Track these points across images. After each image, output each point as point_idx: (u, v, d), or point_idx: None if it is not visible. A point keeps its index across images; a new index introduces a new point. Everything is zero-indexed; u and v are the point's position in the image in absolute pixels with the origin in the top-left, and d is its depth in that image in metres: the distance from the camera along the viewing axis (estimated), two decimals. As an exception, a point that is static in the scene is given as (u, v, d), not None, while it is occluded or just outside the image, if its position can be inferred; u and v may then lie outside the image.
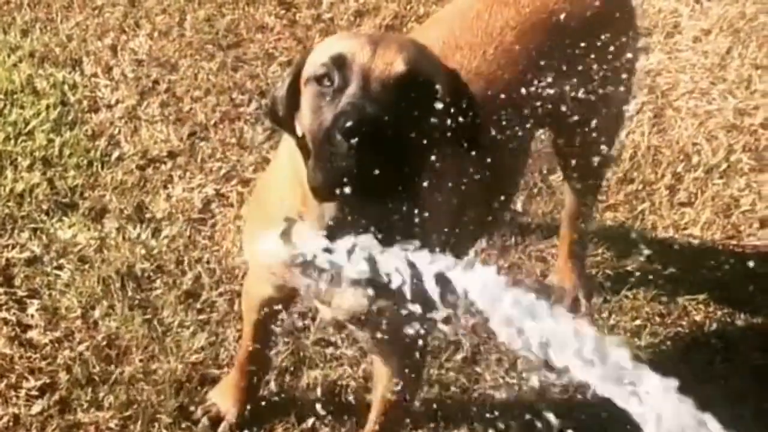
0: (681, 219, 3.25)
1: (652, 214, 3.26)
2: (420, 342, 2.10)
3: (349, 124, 1.70)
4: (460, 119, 1.86)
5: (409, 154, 1.78)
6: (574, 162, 2.73)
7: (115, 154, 3.31)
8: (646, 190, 3.33)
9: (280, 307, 2.37)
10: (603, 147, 2.70)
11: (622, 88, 2.62)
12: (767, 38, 3.99)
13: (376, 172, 1.72)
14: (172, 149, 3.35)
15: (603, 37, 2.42)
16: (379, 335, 2.07)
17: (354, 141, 1.70)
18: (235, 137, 3.39)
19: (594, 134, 2.58)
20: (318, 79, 1.81)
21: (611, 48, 2.46)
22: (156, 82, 3.62)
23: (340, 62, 1.79)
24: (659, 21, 4.05)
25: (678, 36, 4.00)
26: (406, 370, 2.23)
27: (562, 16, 2.35)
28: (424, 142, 1.81)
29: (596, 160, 2.69)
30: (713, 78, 3.81)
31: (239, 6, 3.97)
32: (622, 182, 3.34)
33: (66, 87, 3.56)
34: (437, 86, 1.82)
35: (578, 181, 2.83)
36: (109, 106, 3.51)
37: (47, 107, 3.44)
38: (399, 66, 1.79)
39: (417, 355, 2.17)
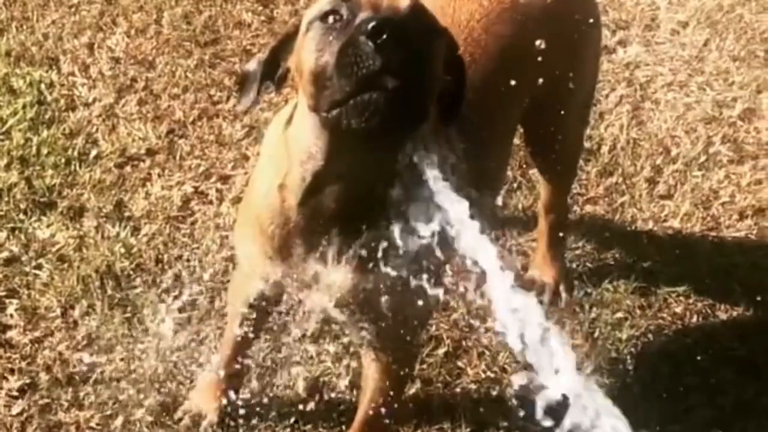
0: (661, 211, 3.26)
1: (631, 206, 3.26)
2: (412, 323, 2.11)
3: (373, 24, 1.68)
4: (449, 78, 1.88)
5: (423, 91, 1.77)
6: (544, 153, 2.74)
7: (93, 152, 3.29)
8: (626, 183, 3.33)
9: (268, 304, 2.36)
10: (572, 137, 2.71)
11: (587, 78, 2.63)
12: (744, 30, 4.00)
13: (398, 87, 1.69)
14: (150, 147, 3.33)
15: (565, 25, 2.43)
16: (369, 323, 2.06)
17: (381, 40, 1.67)
18: (213, 134, 3.38)
19: (562, 125, 2.60)
20: (323, 18, 1.80)
21: (574, 36, 2.47)
22: (133, 79, 3.60)
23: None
24: (637, 14, 4.05)
25: (656, 29, 4.01)
26: (397, 363, 2.22)
27: (524, 5, 2.36)
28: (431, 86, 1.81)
29: (565, 151, 2.71)
30: (691, 70, 3.82)
31: (216, 3, 3.95)
32: (601, 175, 3.35)
33: (43, 86, 3.53)
34: (439, 30, 1.85)
35: (550, 173, 2.84)
36: (87, 105, 3.48)
37: (24, 106, 3.41)
38: (404, 1, 1.80)
39: (409, 340, 2.15)
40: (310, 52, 1.81)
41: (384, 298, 1.98)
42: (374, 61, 1.69)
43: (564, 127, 2.63)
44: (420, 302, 1.99)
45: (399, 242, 1.88)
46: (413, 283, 1.92)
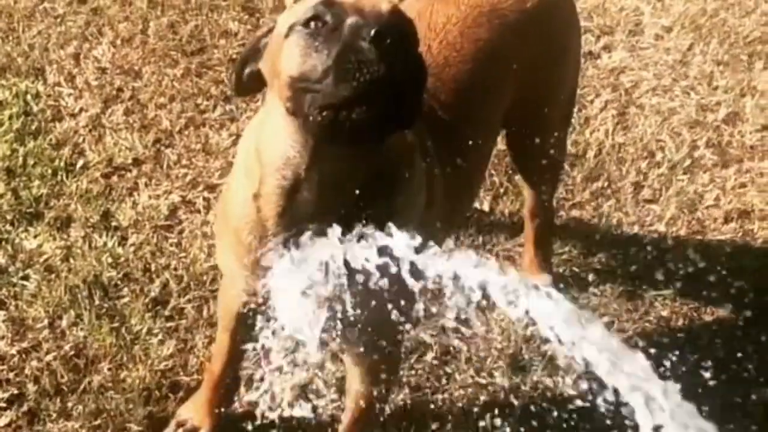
0: (646, 215, 3.28)
1: (617, 211, 3.28)
2: (395, 335, 2.11)
3: (376, 30, 1.69)
4: None
5: (419, 94, 1.79)
6: (526, 159, 2.76)
7: (80, 162, 3.29)
8: (611, 188, 3.35)
9: (256, 315, 2.36)
10: (554, 142, 2.73)
11: (568, 82, 2.65)
12: (728, 34, 4.03)
13: (400, 92, 1.72)
14: (137, 156, 3.34)
15: (545, 31, 2.44)
16: (352, 333, 2.06)
17: (384, 44, 1.69)
18: (200, 143, 3.38)
19: (543, 130, 2.61)
20: (306, 23, 1.79)
21: (553, 42, 2.49)
22: (120, 89, 3.61)
23: (327, 4, 1.79)
24: (621, 19, 4.07)
25: (640, 34, 4.03)
26: (379, 370, 2.23)
27: (502, 9, 2.37)
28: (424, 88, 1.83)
29: (547, 155, 2.73)
30: (676, 75, 3.84)
31: (202, 12, 3.96)
32: (587, 180, 3.36)
33: (29, 96, 3.53)
34: (416, 32, 1.85)
35: (534, 179, 2.85)
36: (73, 115, 3.49)
37: (10, 117, 3.42)
38: (385, 4, 1.81)
39: (392, 350, 2.16)
40: (293, 57, 1.80)
41: (364, 305, 1.98)
42: (378, 67, 1.70)
43: (546, 133, 2.65)
44: (400, 309, 1.99)
45: (378, 248, 1.87)
46: (392, 290, 1.92)
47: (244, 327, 2.40)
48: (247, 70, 1.95)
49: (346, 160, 1.85)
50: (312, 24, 1.79)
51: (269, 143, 1.90)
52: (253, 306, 2.26)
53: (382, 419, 2.50)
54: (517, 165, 2.89)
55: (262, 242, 1.98)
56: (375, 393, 2.28)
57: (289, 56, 1.81)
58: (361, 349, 2.14)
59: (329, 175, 1.86)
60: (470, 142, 2.21)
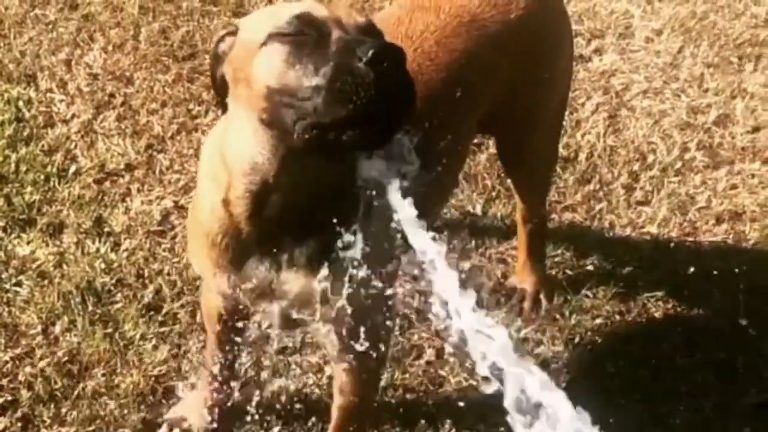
0: (638, 217, 3.28)
1: (609, 213, 3.29)
2: (374, 330, 2.11)
3: (373, 51, 1.70)
4: None
5: (408, 112, 1.81)
6: (516, 165, 2.77)
7: (72, 168, 3.29)
8: (603, 190, 3.36)
9: (238, 317, 2.37)
10: (543, 149, 2.73)
11: (557, 90, 2.64)
12: (718, 37, 4.04)
13: (395, 113, 1.75)
14: (129, 162, 3.34)
15: (530, 41, 2.43)
16: (332, 328, 2.07)
17: (381, 66, 1.70)
18: (192, 148, 3.38)
19: (532, 137, 2.61)
20: (287, 34, 1.78)
21: (540, 52, 2.48)
22: (112, 95, 3.61)
23: (308, 17, 1.79)
24: (612, 23, 4.09)
25: (630, 37, 4.05)
26: (364, 371, 2.23)
27: (483, 20, 2.36)
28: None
29: (537, 162, 2.74)
30: (666, 77, 3.85)
31: (194, 18, 3.97)
32: (579, 183, 3.37)
33: (21, 103, 3.53)
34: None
35: (524, 185, 2.86)
36: (65, 121, 3.49)
37: (2, 123, 3.42)
38: (360, 17, 1.83)
39: (375, 348, 2.14)
40: (273, 67, 1.78)
41: (341, 304, 1.98)
42: (375, 90, 1.71)
43: (534, 139, 2.65)
44: (378, 308, 2.00)
45: (353, 246, 1.88)
46: (369, 288, 1.93)
47: (227, 328, 2.41)
48: (219, 73, 1.94)
49: (318, 167, 1.86)
50: (294, 34, 1.78)
51: (235, 150, 1.90)
52: (230, 308, 2.29)
53: (370, 420, 2.50)
54: (507, 171, 2.89)
55: (234, 243, 1.99)
56: (360, 392, 2.29)
57: (269, 66, 1.79)
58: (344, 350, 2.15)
59: (299, 179, 1.87)
60: (439, 148, 2.22)
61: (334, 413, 2.37)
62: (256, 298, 2.08)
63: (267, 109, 1.81)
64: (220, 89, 1.95)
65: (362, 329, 2.03)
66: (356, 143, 1.76)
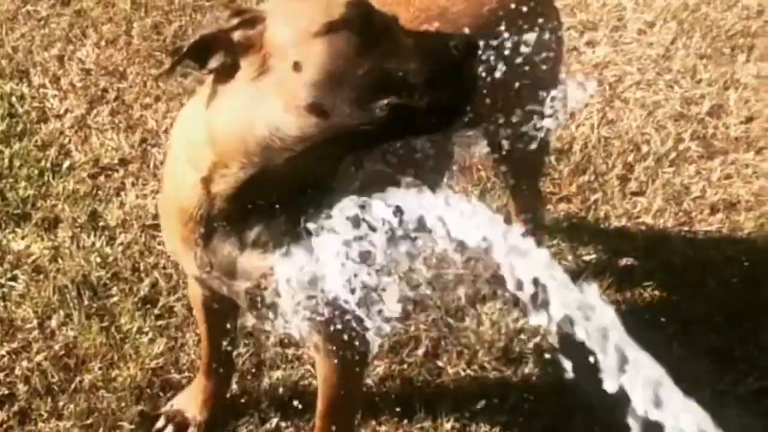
0: (633, 208, 3.29)
1: (604, 204, 3.29)
2: (350, 320, 2.06)
3: (462, 39, 1.84)
4: None
5: None
6: (507, 160, 2.76)
7: (66, 163, 3.29)
8: (598, 181, 3.36)
9: (225, 305, 2.36)
10: (529, 142, 2.72)
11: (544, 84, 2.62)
12: (710, 28, 4.05)
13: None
14: (123, 156, 3.33)
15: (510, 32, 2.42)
16: (303, 312, 2.05)
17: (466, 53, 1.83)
18: (187, 142, 3.37)
19: (515, 130, 2.60)
20: (351, 23, 1.81)
21: (522, 48, 2.46)
22: (105, 90, 3.60)
23: (364, 6, 1.84)
24: (604, 15, 4.09)
25: (623, 29, 4.05)
26: (344, 361, 2.21)
27: (453, 14, 2.35)
28: None
29: (529, 157, 2.73)
30: (659, 69, 3.86)
31: (186, 13, 3.96)
32: (574, 174, 3.37)
33: (14, 98, 3.53)
34: None
35: (516, 179, 2.85)
36: (59, 116, 3.48)
37: (-5, 119, 3.42)
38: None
39: (352, 336, 2.11)
40: (340, 56, 1.79)
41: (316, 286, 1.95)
42: (459, 74, 1.83)
43: (520, 135, 2.64)
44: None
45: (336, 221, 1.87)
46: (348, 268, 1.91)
47: (216, 317, 2.42)
48: (213, 63, 1.86)
49: (329, 157, 1.87)
50: (358, 24, 1.81)
51: (245, 130, 1.85)
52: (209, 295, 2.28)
53: (356, 409, 2.50)
54: (498, 167, 2.89)
55: (204, 219, 1.97)
56: (343, 381, 2.29)
57: (337, 54, 1.79)
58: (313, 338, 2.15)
59: (304, 166, 1.86)
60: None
61: (319, 403, 2.37)
62: (221, 277, 2.06)
63: (320, 94, 1.79)
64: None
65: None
66: (436, 124, 1.84)
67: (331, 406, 2.35)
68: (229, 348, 2.52)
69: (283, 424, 2.61)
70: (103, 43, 3.80)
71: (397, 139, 1.95)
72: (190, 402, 2.60)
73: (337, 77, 1.79)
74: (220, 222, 1.97)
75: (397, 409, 2.66)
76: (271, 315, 2.08)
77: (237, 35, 1.85)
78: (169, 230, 2.13)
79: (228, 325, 2.46)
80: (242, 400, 2.66)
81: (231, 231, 1.98)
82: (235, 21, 1.85)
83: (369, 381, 2.72)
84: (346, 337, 2.08)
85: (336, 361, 2.22)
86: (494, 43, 2.17)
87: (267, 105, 1.84)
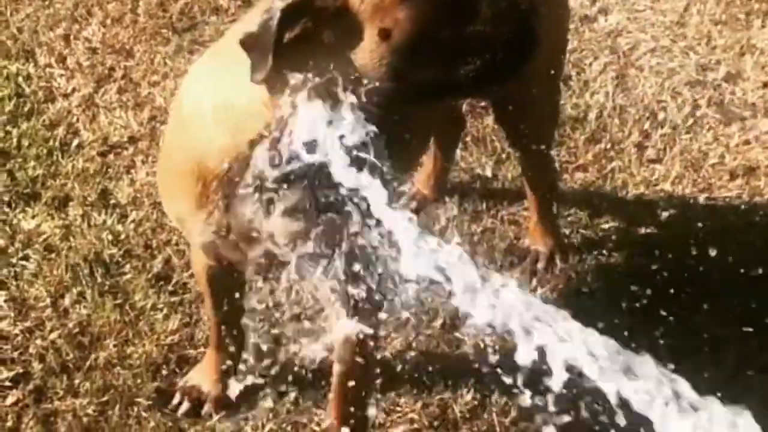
0: (651, 175, 3.24)
1: (622, 172, 3.24)
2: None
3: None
4: None
5: None
6: (516, 130, 2.75)
7: (75, 142, 3.25)
8: (615, 149, 3.31)
9: (230, 272, 2.32)
10: (543, 110, 2.68)
11: (552, 52, 2.57)
12: (724, -6, 3.99)
13: None
14: (132, 134, 3.30)
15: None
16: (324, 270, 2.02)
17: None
18: (196, 118, 3.33)
19: (530, 100, 2.56)
20: None
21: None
22: (112, 69, 3.56)
23: None
24: (616, -18, 4.04)
25: (636, -4, 4.00)
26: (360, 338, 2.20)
27: None
28: None
29: (538, 124, 2.72)
30: (673, 36, 3.80)
31: (191, -11, 3.92)
32: (589, 142, 3.32)
33: (20, 78, 3.49)
34: None
35: (524, 147, 2.82)
36: (66, 95, 3.44)
37: (2, 99, 3.38)
38: None
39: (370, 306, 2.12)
40: (427, 19, 1.79)
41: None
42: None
43: (533, 102, 2.60)
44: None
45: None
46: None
47: (222, 288, 2.38)
48: (297, 29, 1.78)
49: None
50: None
51: None
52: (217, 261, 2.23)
53: (371, 385, 2.45)
54: (508, 137, 2.86)
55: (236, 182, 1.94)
56: (358, 358, 2.26)
57: (421, 21, 1.79)
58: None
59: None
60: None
61: (335, 380, 2.34)
62: (237, 241, 2.03)
63: (406, 59, 1.79)
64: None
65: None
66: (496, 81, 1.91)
67: (346, 385, 2.31)
68: (237, 320, 2.47)
69: (301, 398, 2.57)
70: (108, 21, 3.76)
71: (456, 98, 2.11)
72: (203, 377, 2.57)
73: (422, 42, 1.80)
74: (253, 184, 1.92)
75: (416, 381, 2.62)
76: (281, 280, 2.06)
77: (320, 1, 1.80)
78: (177, 193, 2.08)
79: (236, 297, 2.41)
80: (260, 377, 2.61)
81: (261, 194, 1.93)
82: None
83: (387, 353, 2.68)
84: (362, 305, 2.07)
85: (351, 341, 2.21)
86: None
87: (349, 70, 1.81)
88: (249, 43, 1.78)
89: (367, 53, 1.79)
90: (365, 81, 1.80)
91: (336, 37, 1.79)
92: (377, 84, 1.80)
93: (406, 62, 1.80)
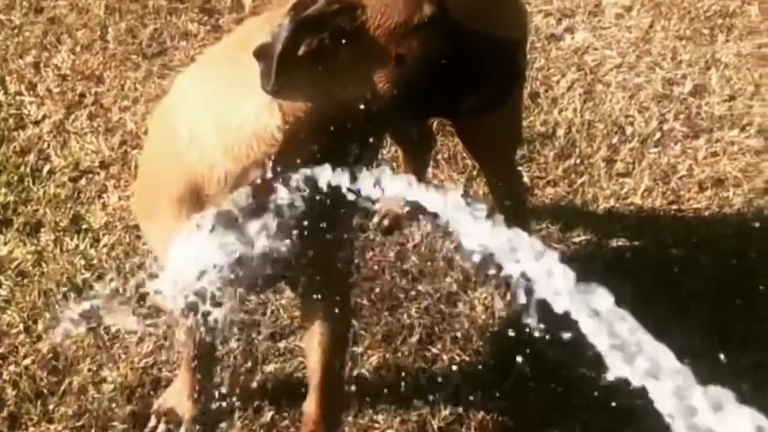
0: (621, 189, 3.26)
1: (591, 186, 3.26)
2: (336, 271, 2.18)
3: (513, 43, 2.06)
4: None
5: None
6: (477, 147, 2.78)
7: (46, 168, 3.25)
8: (584, 164, 3.34)
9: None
10: (503, 127, 2.71)
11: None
12: (687, 10, 4.04)
13: None
14: (103, 159, 3.30)
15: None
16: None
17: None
18: (167, 142, 3.33)
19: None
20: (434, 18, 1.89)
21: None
22: (82, 95, 3.57)
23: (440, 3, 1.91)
24: (581, 1, 4.08)
25: (601, 14, 4.04)
26: (333, 324, 2.26)
27: None
28: None
29: (499, 142, 2.73)
30: (639, 52, 3.85)
31: (161, 15, 3.93)
32: (559, 158, 3.35)
33: (-10, 107, 3.49)
34: None
35: (486, 165, 2.87)
36: (36, 122, 3.44)
37: (-28, 127, 3.37)
38: None
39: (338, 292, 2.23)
40: (442, 47, 1.89)
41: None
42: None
43: (493, 120, 2.62)
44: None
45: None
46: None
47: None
48: (311, 44, 1.81)
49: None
50: (443, 20, 1.90)
51: (334, 111, 1.88)
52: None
53: (346, 382, 2.46)
54: (470, 153, 2.93)
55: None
56: (332, 353, 2.29)
57: (431, 49, 1.88)
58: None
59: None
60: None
61: (311, 376, 2.34)
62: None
63: (416, 83, 1.88)
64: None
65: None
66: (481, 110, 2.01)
67: (323, 380, 2.32)
68: (209, 339, 2.46)
69: (277, 416, 2.57)
70: (78, 48, 3.77)
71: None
72: (178, 398, 2.56)
73: (430, 68, 1.88)
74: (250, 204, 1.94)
75: (394, 398, 2.62)
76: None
77: (338, 20, 1.83)
78: (155, 208, 2.07)
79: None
80: (237, 395, 2.61)
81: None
82: (336, 6, 1.83)
83: (363, 371, 2.69)
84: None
85: (325, 325, 2.25)
86: None
87: (363, 88, 1.86)
88: (260, 52, 1.80)
89: (382, 74, 1.86)
90: (374, 98, 1.86)
91: (352, 55, 1.84)
92: (384, 102, 1.87)
93: (414, 86, 1.88)
